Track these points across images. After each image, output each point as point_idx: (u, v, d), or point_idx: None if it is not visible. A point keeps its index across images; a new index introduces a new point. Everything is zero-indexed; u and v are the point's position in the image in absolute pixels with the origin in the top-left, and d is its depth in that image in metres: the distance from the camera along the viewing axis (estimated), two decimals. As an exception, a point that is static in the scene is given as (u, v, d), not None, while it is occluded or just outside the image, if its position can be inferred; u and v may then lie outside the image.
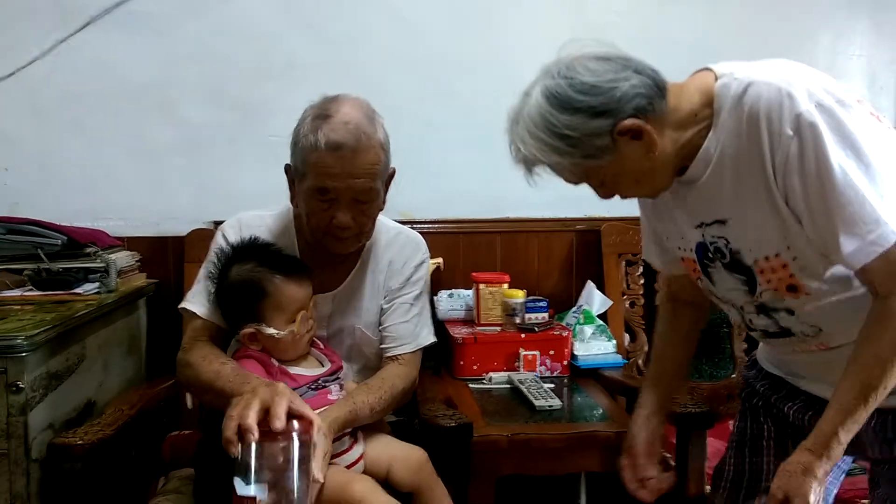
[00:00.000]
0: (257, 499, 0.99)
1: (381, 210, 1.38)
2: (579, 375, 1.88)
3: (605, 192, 1.07)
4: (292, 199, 1.36)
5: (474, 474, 1.49)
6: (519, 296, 1.92)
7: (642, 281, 2.09)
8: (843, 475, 1.27)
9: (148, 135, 2.02)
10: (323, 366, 1.33)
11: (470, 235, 2.13)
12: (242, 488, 1.00)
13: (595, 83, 0.96)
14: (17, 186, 1.97)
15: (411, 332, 1.44)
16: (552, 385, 1.77)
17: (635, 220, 2.10)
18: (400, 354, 1.42)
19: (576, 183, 1.07)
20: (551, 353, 1.87)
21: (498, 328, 1.92)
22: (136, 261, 1.93)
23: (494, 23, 2.11)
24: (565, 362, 1.89)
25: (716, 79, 1.01)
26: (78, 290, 1.66)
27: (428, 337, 1.48)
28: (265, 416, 1.05)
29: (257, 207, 1.46)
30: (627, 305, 2.07)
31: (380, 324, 1.44)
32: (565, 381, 1.86)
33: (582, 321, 1.95)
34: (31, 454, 1.35)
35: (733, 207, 1.03)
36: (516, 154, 1.02)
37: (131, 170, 2.02)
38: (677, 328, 1.31)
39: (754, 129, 0.96)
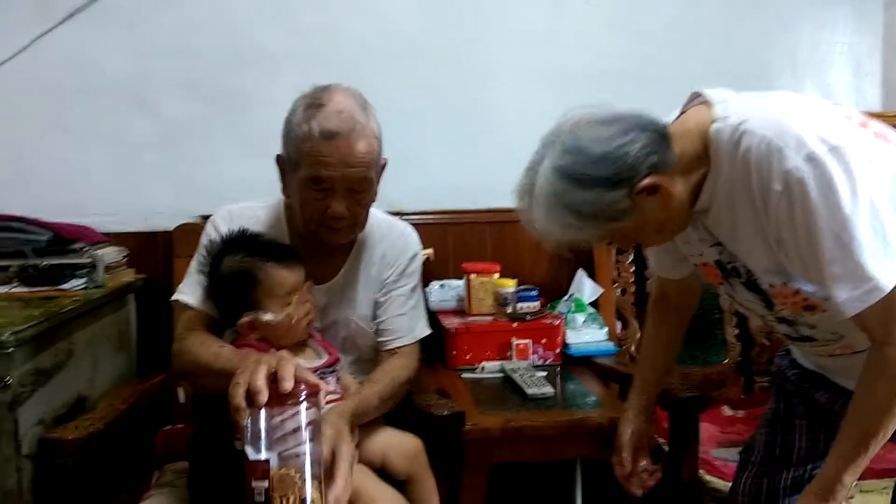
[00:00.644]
0: (270, 462, 0.98)
1: (374, 201, 1.37)
2: (571, 363, 1.88)
3: (629, 244, 1.09)
4: (284, 190, 1.35)
5: (467, 463, 1.49)
6: (510, 285, 1.92)
7: (633, 269, 2.09)
8: None
9: (128, 129, 2.00)
10: (320, 357, 1.33)
11: (459, 226, 2.12)
12: (254, 454, 0.98)
13: (605, 153, 0.96)
14: (-1, 183, 1.96)
15: (408, 325, 1.45)
16: (544, 373, 1.77)
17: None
18: (399, 347, 1.43)
19: (597, 245, 1.07)
20: (543, 341, 1.88)
21: (490, 318, 1.92)
22: (124, 256, 1.91)
23: (470, 12, 2.10)
24: (557, 350, 1.89)
25: (712, 120, 1.00)
26: (65, 286, 1.65)
27: (424, 329, 1.48)
28: (272, 381, 1.02)
29: (240, 200, 1.46)
30: (618, 293, 2.07)
31: (375, 317, 1.44)
32: (558, 369, 1.86)
33: (573, 309, 1.96)
34: (21, 450, 1.34)
35: (738, 245, 1.04)
36: (541, 232, 1.03)
37: (113, 165, 2.00)
38: (663, 334, 1.37)
39: (747, 180, 0.96)
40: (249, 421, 1.00)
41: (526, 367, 1.79)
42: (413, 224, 1.54)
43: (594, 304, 2.02)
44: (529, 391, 1.64)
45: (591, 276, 2.04)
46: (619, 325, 2.05)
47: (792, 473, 1.22)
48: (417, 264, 1.49)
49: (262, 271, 1.25)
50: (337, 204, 1.27)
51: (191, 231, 1.82)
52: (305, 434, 1.00)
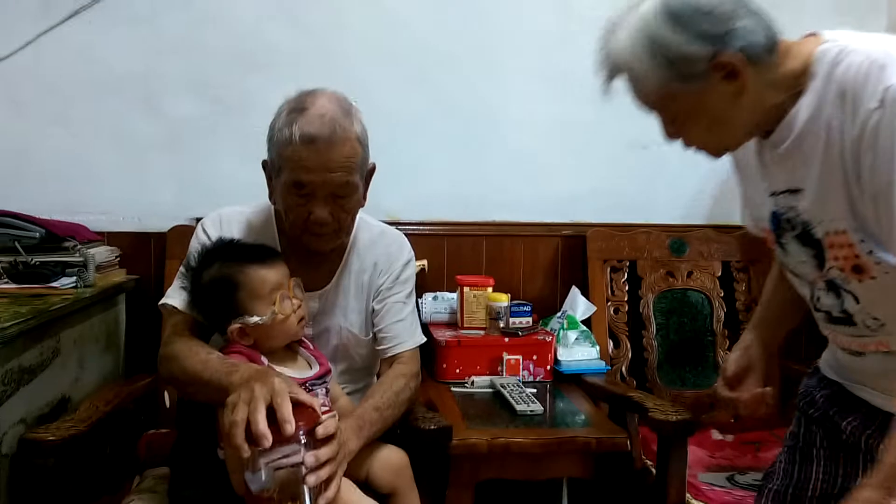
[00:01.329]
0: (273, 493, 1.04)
1: (362, 206, 1.36)
2: (562, 381, 1.87)
3: (672, 130, 1.04)
4: (271, 196, 1.34)
5: (453, 478, 1.48)
6: (503, 300, 1.91)
7: (627, 287, 2.09)
8: None
9: (130, 128, 2.00)
10: (311, 368, 1.31)
11: (455, 238, 2.12)
12: (257, 486, 1.03)
13: (714, 8, 0.93)
14: (-5, 178, 1.95)
15: (408, 330, 1.44)
16: (534, 390, 1.76)
17: (621, 227, 2.14)
18: (400, 353, 1.42)
19: (648, 110, 1.04)
20: (534, 357, 1.86)
21: (482, 332, 1.91)
22: (116, 256, 1.91)
23: (479, 16, 2.10)
24: (548, 367, 1.88)
25: (821, 43, 0.97)
26: (54, 284, 1.64)
27: (422, 336, 1.48)
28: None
29: (240, 202, 1.45)
30: (611, 312, 2.07)
31: (374, 325, 1.43)
32: (548, 386, 1.85)
33: (566, 326, 1.95)
34: (1, 449, 1.32)
35: (807, 178, 0.99)
36: (604, 59, 0.99)
37: (113, 163, 2.00)
38: (783, 286, 1.25)
39: (840, 97, 0.92)
40: (250, 456, 1.03)
41: (516, 382, 1.77)
42: (408, 234, 1.53)
43: (587, 322, 2.01)
44: (519, 407, 1.63)
45: (585, 293, 2.04)
46: (610, 344, 2.04)
47: None
48: (411, 271, 1.49)
49: (241, 274, 1.23)
50: (319, 209, 1.26)
51: (185, 233, 1.81)
52: (304, 468, 1.06)
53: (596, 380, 1.85)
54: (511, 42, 2.11)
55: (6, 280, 1.64)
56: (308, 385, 1.27)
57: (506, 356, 1.84)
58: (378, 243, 1.45)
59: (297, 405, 1.07)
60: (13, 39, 1.93)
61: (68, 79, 1.96)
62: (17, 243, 1.66)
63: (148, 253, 1.98)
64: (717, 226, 2.15)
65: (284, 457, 1.05)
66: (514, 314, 1.92)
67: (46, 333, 1.50)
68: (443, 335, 1.88)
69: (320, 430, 1.10)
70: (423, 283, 2.02)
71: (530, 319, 1.94)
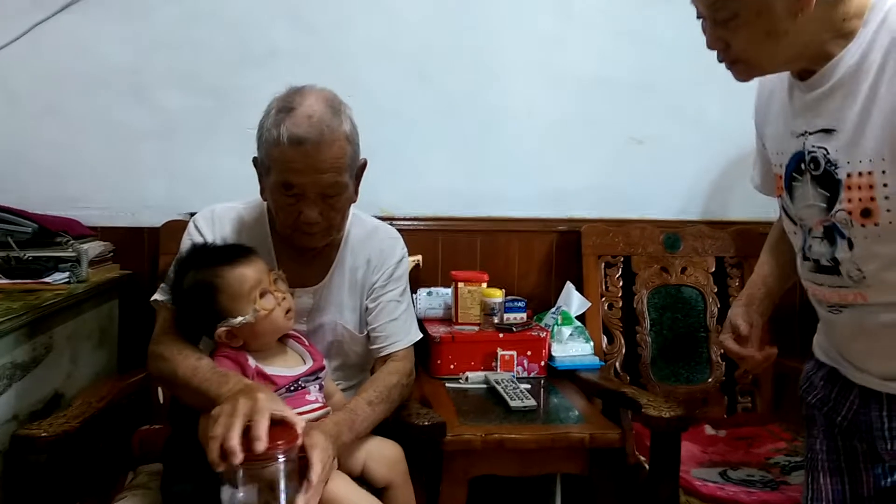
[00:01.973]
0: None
1: (354, 202, 1.36)
2: (556, 377, 1.88)
3: (721, 34, 1.03)
4: (262, 193, 1.34)
5: (447, 474, 1.48)
6: (498, 295, 1.91)
7: (621, 283, 2.09)
8: None
9: (123, 122, 1.98)
10: (305, 363, 1.31)
11: (449, 233, 2.12)
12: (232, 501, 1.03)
13: None
14: (-13, 172, 1.93)
15: (402, 329, 1.44)
16: (528, 386, 1.76)
17: (615, 222, 2.14)
18: (394, 352, 1.42)
19: (702, 8, 1.03)
20: (529, 353, 1.87)
21: (476, 327, 1.92)
22: (110, 251, 1.90)
23: (478, 16, 2.09)
24: (542, 363, 1.88)
25: None
26: (47, 280, 1.63)
27: (417, 333, 1.48)
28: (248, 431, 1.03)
29: (234, 198, 1.44)
30: (606, 307, 2.07)
31: (367, 324, 1.43)
32: (542, 381, 1.85)
33: (560, 322, 1.95)
34: (-7, 445, 1.32)
35: (845, 119, 1.00)
36: None
37: (106, 157, 1.99)
38: (782, 245, 1.28)
39: (885, 39, 0.94)
40: (227, 471, 1.02)
41: (510, 378, 1.78)
42: (403, 230, 1.53)
43: (581, 317, 2.01)
44: (513, 403, 1.63)
45: (580, 289, 2.04)
46: (604, 340, 2.05)
47: None
48: (404, 268, 1.48)
49: (218, 278, 1.22)
50: (309, 210, 1.26)
51: (178, 228, 1.79)
52: (282, 484, 1.05)
53: (590, 375, 1.85)
54: (507, 39, 2.10)
55: (-1, 275, 1.63)
56: (300, 382, 1.27)
57: (500, 352, 1.84)
58: (371, 239, 1.45)
59: (281, 423, 1.06)
60: (5, 31, 1.91)
61: (61, 72, 1.95)
62: (9, 238, 1.66)
63: (141, 248, 1.97)
64: (712, 221, 2.16)
65: (258, 476, 1.04)
66: (508, 310, 1.92)
67: (39, 329, 1.50)
68: (437, 331, 1.88)
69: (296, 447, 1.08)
70: (418, 279, 2.02)
71: (525, 315, 1.94)
